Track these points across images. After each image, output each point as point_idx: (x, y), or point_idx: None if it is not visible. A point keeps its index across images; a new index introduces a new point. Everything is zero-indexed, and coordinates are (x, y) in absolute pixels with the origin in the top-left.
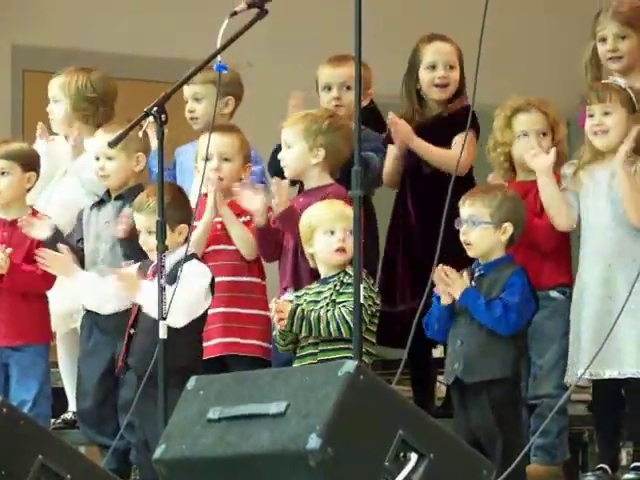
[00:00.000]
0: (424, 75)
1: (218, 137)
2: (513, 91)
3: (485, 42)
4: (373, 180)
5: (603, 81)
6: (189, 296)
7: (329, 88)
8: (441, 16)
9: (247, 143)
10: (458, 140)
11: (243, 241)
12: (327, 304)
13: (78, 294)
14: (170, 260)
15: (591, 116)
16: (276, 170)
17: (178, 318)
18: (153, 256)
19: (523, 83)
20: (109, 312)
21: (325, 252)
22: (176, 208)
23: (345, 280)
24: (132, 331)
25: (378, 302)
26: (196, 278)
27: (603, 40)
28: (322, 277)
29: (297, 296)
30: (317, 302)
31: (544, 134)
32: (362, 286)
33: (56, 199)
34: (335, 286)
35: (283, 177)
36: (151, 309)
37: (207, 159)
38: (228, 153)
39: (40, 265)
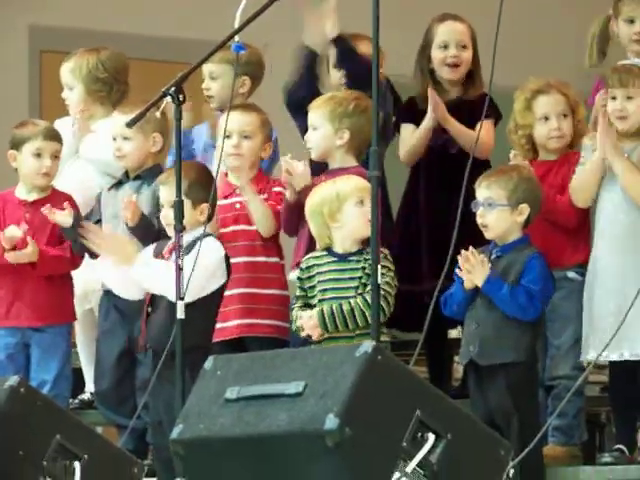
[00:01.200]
0: (436, 54)
1: (238, 115)
2: (531, 72)
3: (502, 23)
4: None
5: (623, 62)
6: (197, 272)
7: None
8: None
9: (268, 122)
10: (484, 126)
11: (263, 217)
12: (357, 287)
13: (96, 275)
14: (186, 239)
15: (613, 98)
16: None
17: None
18: (171, 231)
19: (540, 64)
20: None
21: (358, 223)
22: (200, 187)
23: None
24: (149, 309)
25: (396, 284)
26: (206, 254)
27: (631, 22)
28: (341, 252)
29: (304, 268)
30: (339, 280)
31: (565, 115)
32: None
33: (67, 181)
34: (364, 269)
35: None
36: (152, 285)
37: (226, 136)
38: (248, 131)
39: (91, 246)
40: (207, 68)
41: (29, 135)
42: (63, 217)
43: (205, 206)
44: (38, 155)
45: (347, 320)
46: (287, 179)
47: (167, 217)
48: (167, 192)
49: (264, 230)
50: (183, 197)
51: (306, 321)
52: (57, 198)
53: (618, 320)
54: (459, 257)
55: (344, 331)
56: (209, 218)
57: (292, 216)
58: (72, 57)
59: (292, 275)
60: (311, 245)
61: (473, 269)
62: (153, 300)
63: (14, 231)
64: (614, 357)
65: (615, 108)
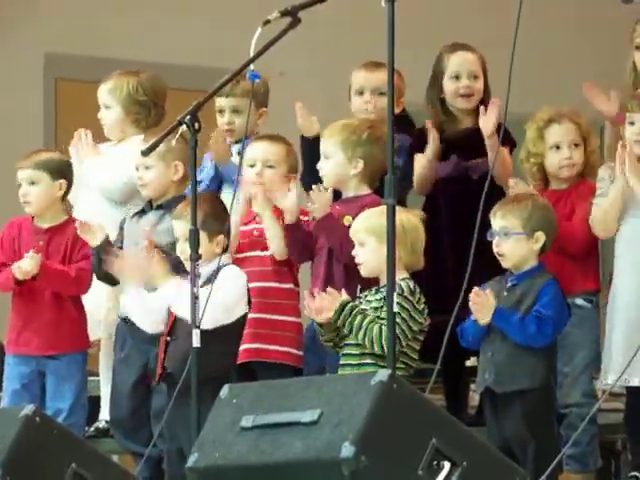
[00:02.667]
0: (448, 85)
1: (264, 144)
2: (544, 100)
3: (516, 50)
4: (401, 184)
5: None
6: (218, 298)
7: (362, 92)
8: (471, 25)
9: (294, 153)
10: (504, 151)
11: (279, 241)
12: (374, 310)
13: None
14: (206, 270)
15: (632, 123)
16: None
17: (208, 319)
18: (189, 265)
19: (553, 92)
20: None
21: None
22: (215, 218)
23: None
24: (168, 339)
25: (423, 320)
26: (228, 281)
27: (638, 48)
28: (378, 286)
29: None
30: (365, 311)
31: (576, 145)
32: (399, 302)
33: (79, 206)
34: (383, 299)
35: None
36: (176, 308)
37: (250, 165)
38: (272, 160)
39: (114, 270)
40: (229, 102)
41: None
42: (93, 234)
43: (221, 238)
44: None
45: (352, 329)
46: (280, 204)
47: (184, 251)
48: (181, 226)
49: (279, 254)
50: (200, 230)
51: (330, 299)
52: (70, 224)
53: (635, 346)
54: (471, 296)
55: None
56: (224, 249)
57: (291, 240)
58: (111, 78)
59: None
60: (329, 275)
61: (482, 307)
62: (173, 329)
63: (27, 265)
64: (635, 382)
65: (634, 132)
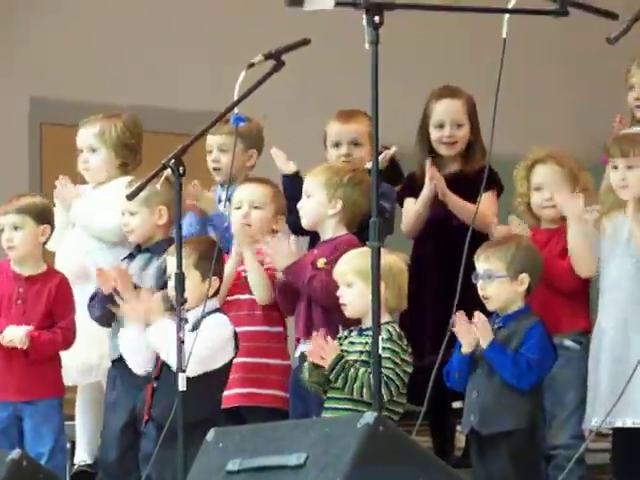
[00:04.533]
0: (433, 133)
1: (251, 186)
2: (535, 140)
3: (504, 92)
4: (386, 229)
5: (625, 132)
6: (203, 346)
7: (338, 145)
8: (457, 67)
9: (281, 195)
10: (484, 198)
11: (259, 285)
12: (355, 360)
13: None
14: (194, 314)
15: (615, 167)
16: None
17: (190, 367)
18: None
19: (544, 132)
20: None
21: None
22: (209, 260)
23: (384, 336)
24: (155, 384)
25: (411, 363)
26: (213, 329)
27: (631, 88)
28: (362, 327)
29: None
30: (348, 353)
31: (559, 186)
32: (389, 347)
33: (65, 250)
34: (367, 343)
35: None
36: (160, 349)
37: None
38: (258, 202)
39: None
40: (216, 140)
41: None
42: (108, 284)
43: (215, 280)
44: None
45: (347, 382)
46: (270, 262)
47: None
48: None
49: (260, 297)
50: (193, 270)
51: (329, 347)
52: (51, 275)
53: (621, 387)
54: (455, 319)
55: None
56: (216, 292)
57: (283, 296)
58: (95, 121)
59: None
60: (309, 321)
61: (482, 331)
62: (160, 375)
63: (15, 335)
64: (619, 424)
65: (617, 178)
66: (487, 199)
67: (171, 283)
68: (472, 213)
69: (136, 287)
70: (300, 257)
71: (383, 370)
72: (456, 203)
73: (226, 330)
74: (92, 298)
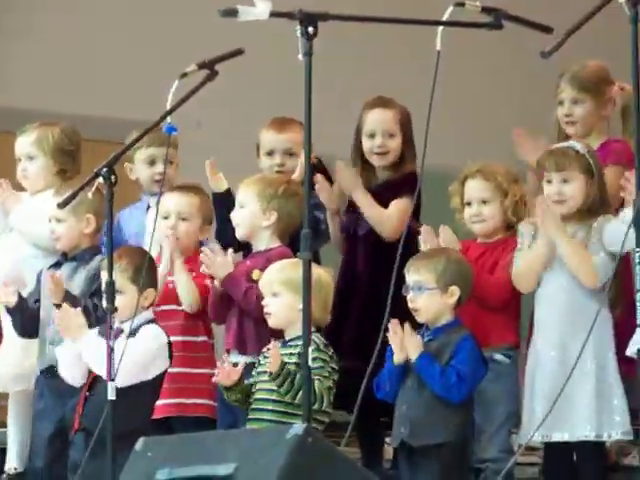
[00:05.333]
0: (365, 142)
1: (177, 196)
2: (469, 152)
3: (447, 103)
4: (322, 239)
5: (560, 145)
6: (137, 357)
7: (271, 154)
8: (392, 78)
9: (208, 204)
10: (393, 203)
11: (188, 293)
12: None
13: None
14: (133, 323)
15: (549, 182)
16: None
17: (122, 377)
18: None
19: (480, 144)
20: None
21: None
22: (145, 272)
23: (312, 346)
24: (87, 394)
25: (336, 374)
26: (146, 340)
27: (561, 103)
28: (285, 338)
29: (261, 356)
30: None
31: (485, 202)
32: (319, 356)
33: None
34: (291, 354)
35: None
36: (90, 360)
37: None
38: (186, 212)
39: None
40: (162, 152)
41: None
42: (6, 298)
43: (150, 291)
44: None
45: (293, 388)
46: (206, 271)
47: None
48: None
49: (186, 304)
50: (130, 285)
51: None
52: None
53: (560, 402)
54: (390, 327)
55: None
56: (151, 303)
57: (220, 306)
58: (32, 129)
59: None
60: (241, 332)
61: (410, 343)
62: (93, 384)
63: None
64: (556, 438)
65: (552, 192)
66: (399, 204)
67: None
68: (374, 214)
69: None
70: (235, 269)
71: (319, 381)
72: (362, 200)
73: (160, 341)
74: (11, 312)
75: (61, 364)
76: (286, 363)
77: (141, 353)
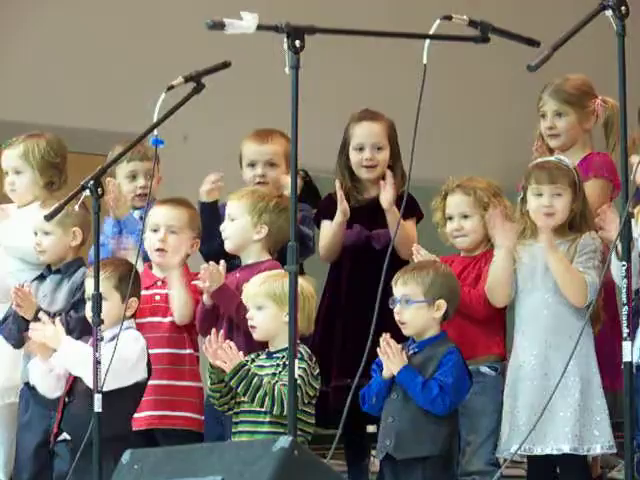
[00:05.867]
0: (353, 156)
1: (167, 209)
2: (456, 166)
3: (430, 117)
4: (306, 253)
5: (549, 159)
6: (118, 359)
7: (253, 165)
8: (379, 92)
9: (197, 218)
10: (407, 226)
11: (184, 305)
12: (272, 376)
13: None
14: (110, 333)
15: (539, 195)
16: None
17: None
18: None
19: (467, 158)
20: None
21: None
22: (128, 282)
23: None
24: (67, 399)
25: (316, 386)
26: (126, 343)
27: (543, 116)
28: (270, 349)
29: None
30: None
31: (465, 216)
32: (302, 366)
33: None
34: (280, 364)
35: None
36: (72, 365)
37: (153, 230)
38: (175, 226)
39: (31, 335)
40: (144, 166)
41: None
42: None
43: (133, 300)
44: None
45: (249, 390)
46: (200, 285)
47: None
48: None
49: (180, 317)
50: (114, 292)
51: (231, 354)
52: None
53: (540, 416)
54: (381, 340)
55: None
56: (134, 313)
57: (207, 320)
58: (17, 142)
59: None
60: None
61: (393, 357)
62: (71, 390)
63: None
64: (537, 451)
65: (542, 204)
66: (409, 225)
67: (90, 304)
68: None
69: (40, 311)
70: (226, 282)
71: (283, 387)
72: (395, 219)
73: (141, 344)
74: (4, 320)
75: (33, 376)
76: (245, 364)
77: (123, 357)
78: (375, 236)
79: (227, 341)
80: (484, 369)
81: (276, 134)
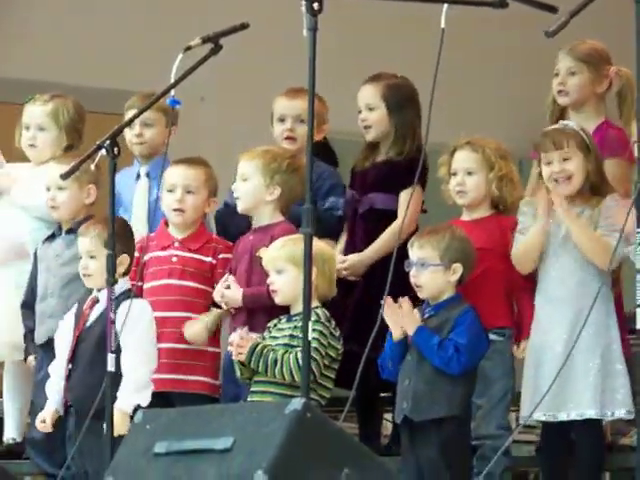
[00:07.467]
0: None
1: (183, 169)
2: (469, 130)
3: (443, 82)
4: (336, 227)
5: (554, 127)
6: (139, 343)
7: (283, 120)
8: (397, 56)
9: (213, 177)
10: (403, 198)
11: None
12: (285, 344)
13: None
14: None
15: (549, 163)
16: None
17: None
18: (89, 282)
19: (480, 122)
20: None
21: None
22: (119, 239)
23: (312, 319)
24: (70, 366)
25: (339, 347)
26: (142, 319)
27: (557, 75)
28: (291, 313)
29: (266, 332)
30: (276, 338)
31: (470, 173)
32: (318, 328)
33: None
34: (298, 326)
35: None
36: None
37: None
38: (192, 186)
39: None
40: (128, 115)
41: None
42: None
43: (124, 257)
44: None
45: (268, 367)
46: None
47: (87, 266)
48: (86, 243)
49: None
50: (102, 248)
51: (243, 341)
52: None
53: (564, 380)
54: (385, 304)
55: (264, 375)
56: (127, 272)
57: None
58: (45, 100)
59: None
60: (251, 310)
61: (406, 318)
62: (74, 357)
63: None
64: (563, 417)
65: (554, 171)
66: (412, 196)
67: (83, 262)
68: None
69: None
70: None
71: (299, 353)
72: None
73: (149, 314)
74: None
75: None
76: (258, 344)
77: (149, 338)
78: (360, 201)
79: (241, 331)
80: (492, 336)
81: (306, 92)
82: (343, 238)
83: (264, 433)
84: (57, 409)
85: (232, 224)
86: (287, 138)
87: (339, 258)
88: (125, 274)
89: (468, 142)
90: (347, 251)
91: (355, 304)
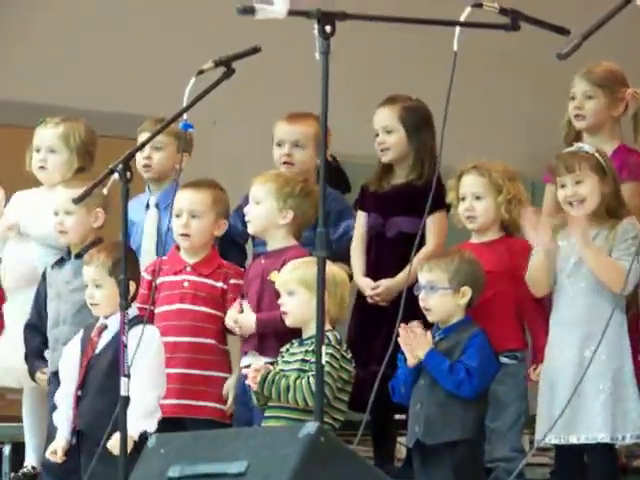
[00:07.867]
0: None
1: (189, 193)
2: (487, 153)
3: (458, 105)
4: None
5: (568, 150)
6: (149, 370)
7: (281, 144)
8: (411, 79)
9: (222, 198)
10: (429, 222)
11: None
12: (297, 369)
13: None
14: (114, 321)
15: (563, 186)
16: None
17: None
18: (96, 311)
19: (497, 145)
20: None
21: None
22: (124, 265)
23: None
24: (79, 393)
25: (351, 369)
26: (151, 345)
27: (573, 98)
28: (303, 337)
29: (279, 357)
30: (289, 363)
31: (478, 197)
32: (330, 352)
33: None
34: (309, 350)
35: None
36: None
37: (176, 215)
38: (197, 210)
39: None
40: (140, 139)
41: None
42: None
43: (131, 284)
44: None
45: (280, 394)
46: (234, 328)
47: (92, 295)
48: (91, 272)
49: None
50: (108, 277)
51: (257, 368)
52: None
53: (575, 404)
54: (400, 330)
55: (277, 401)
56: (133, 298)
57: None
58: (56, 122)
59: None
60: (262, 335)
61: (416, 342)
62: (84, 384)
63: None
64: (573, 440)
65: (567, 195)
66: (439, 220)
67: (89, 290)
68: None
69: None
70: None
71: (311, 378)
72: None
73: (157, 339)
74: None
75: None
76: (269, 371)
77: (152, 364)
78: (386, 225)
79: (251, 357)
80: (504, 359)
81: (309, 116)
82: (357, 261)
83: (278, 457)
84: (67, 439)
85: (230, 254)
86: (285, 163)
87: (370, 284)
88: (132, 300)
89: (475, 166)
90: (370, 274)
91: (367, 326)
